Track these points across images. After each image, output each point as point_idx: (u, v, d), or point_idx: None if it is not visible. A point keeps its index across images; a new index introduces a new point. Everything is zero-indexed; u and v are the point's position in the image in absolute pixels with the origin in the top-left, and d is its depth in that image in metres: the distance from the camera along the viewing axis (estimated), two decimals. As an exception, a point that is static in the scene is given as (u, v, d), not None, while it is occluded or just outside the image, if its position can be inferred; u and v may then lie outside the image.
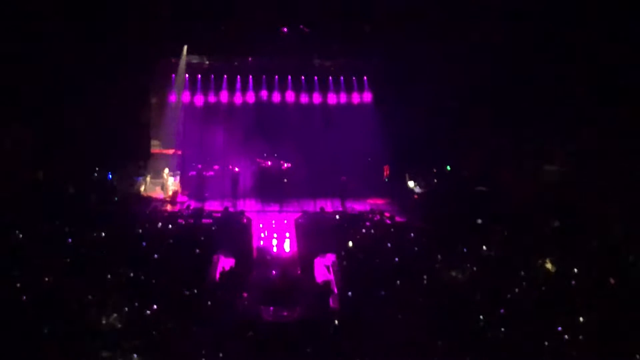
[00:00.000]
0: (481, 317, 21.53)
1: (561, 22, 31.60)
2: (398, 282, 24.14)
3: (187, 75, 38.01)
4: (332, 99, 39.16)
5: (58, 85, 33.51)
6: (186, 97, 38.09)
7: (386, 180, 38.48)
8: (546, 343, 20.15)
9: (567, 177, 32.88)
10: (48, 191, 32.03)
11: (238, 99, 38.44)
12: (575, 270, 24.81)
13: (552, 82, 32.47)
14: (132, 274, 24.06)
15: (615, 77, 30.03)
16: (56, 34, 32.90)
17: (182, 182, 37.26)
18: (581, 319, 21.48)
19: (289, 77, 38.77)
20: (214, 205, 34.35)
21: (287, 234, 31.31)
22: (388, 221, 32.06)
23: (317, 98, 39.01)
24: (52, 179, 32.96)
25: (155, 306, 21.66)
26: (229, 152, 37.59)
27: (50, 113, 33.56)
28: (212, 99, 38.35)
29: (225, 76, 38.33)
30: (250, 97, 38.52)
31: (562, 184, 32.71)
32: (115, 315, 20.94)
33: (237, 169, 37.16)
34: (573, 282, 23.96)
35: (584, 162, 32.28)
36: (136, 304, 21.78)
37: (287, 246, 30.44)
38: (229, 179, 36.79)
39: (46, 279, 22.76)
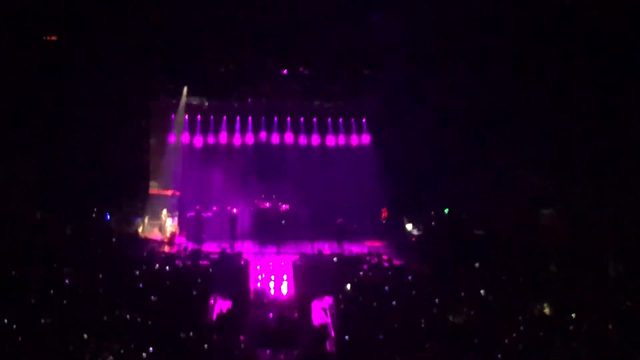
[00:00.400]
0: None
1: (554, 63, 31.99)
2: (396, 325, 24.05)
3: (186, 116, 38.12)
4: (330, 140, 39.26)
5: (57, 125, 33.72)
6: (185, 138, 38.19)
7: (384, 222, 38.42)
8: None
9: (563, 220, 32.95)
10: (46, 231, 32.04)
11: (237, 140, 38.57)
12: (573, 315, 24.76)
13: (549, 127, 32.69)
14: (128, 316, 23.98)
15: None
16: (56, 74, 33.17)
17: (180, 224, 37.17)
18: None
19: (288, 118, 38.91)
20: (211, 247, 34.28)
21: (285, 276, 31.24)
22: (386, 264, 31.95)
23: (315, 139, 39.10)
24: (50, 219, 32.95)
25: (151, 348, 21.55)
26: (228, 193, 37.56)
27: (49, 153, 33.76)
28: (211, 140, 38.46)
29: (224, 117, 38.46)
30: (250, 139, 38.65)
31: (559, 227, 32.79)
32: (111, 357, 20.85)
33: (235, 210, 37.11)
34: (571, 327, 23.89)
35: (581, 205, 32.40)
36: (132, 346, 21.69)
37: (284, 288, 30.37)
38: (227, 220, 36.70)
39: (42, 321, 22.66)
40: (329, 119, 39.30)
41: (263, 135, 38.79)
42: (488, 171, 34.86)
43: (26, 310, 23.72)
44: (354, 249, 35.10)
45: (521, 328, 23.85)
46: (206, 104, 38.65)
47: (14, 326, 22.42)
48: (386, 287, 27.92)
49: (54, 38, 33.63)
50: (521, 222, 33.91)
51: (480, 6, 32.68)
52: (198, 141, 38.34)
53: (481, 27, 33.21)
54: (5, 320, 22.75)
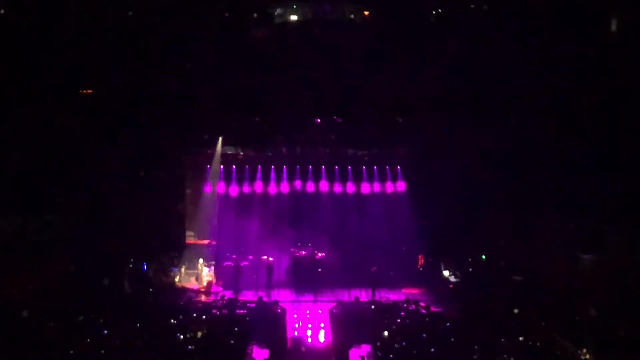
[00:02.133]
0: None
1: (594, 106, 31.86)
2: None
3: (221, 166, 38.35)
4: (365, 188, 39.19)
5: (94, 176, 34.08)
6: (221, 187, 38.34)
7: (421, 269, 38.21)
8: None
9: (603, 266, 32.52)
10: (83, 282, 32.25)
11: (272, 188, 38.62)
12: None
13: (589, 170, 32.43)
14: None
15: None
16: (93, 126, 33.64)
17: (217, 273, 37.26)
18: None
19: (323, 167, 38.98)
20: (248, 296, 34.28)
21: (322, 324, 31.06)
22: (423, 311, 31.77)
23: (350, 187, 39.08)
24: (87, 269, 33.16)
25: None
26: (263, 242, 37.63)
27: (85, 204, 34.06)
28: (246, 189, 38.55)
29: (259, 166, 38.63)
30: (284, 187, 38.68)
31: (599, 272, 32.36)
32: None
33: (270, 259, 37.14)
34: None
35: (621, 250, 31.99)
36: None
37: (321, 336, 30.17)
38: (263, 269, 36.70)
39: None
40: (363, 167, 39.30)
41: (298, 183, 38.81)
42: (526, 216, 34.59)
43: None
44: (391, 296, 34.86)
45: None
46: (241, 153, 38.88)
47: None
48: (424, 334, 27.71)
49: (89, 92, 34.15)
50: (560, 268, 33.51)
51: (514, 53, 32.74)
52: (233, 191, 38.45)
53: (516, 74, 33.25)
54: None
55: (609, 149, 31.71)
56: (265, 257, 37.30)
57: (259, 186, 38.56)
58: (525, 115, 34.02)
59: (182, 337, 27.14)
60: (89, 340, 26.00)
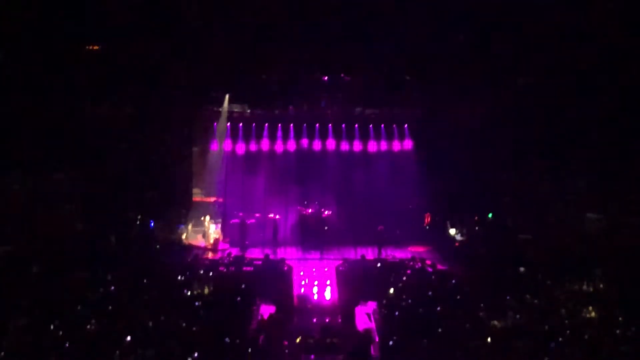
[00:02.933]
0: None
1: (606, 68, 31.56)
2: (440, 330, 23.90)
3: (228, 124, 38.28)
4: (372, 146, 39.13)
5: (100, 135, 34.07)
6: (228, 145, 38.33)
7: (427, 227, 38.28)
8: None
9: (610, 225, 32.53)
10: (90, 240, 32.42)
11: (279, 147, 38.64)
12: (620, 318, 24.43)
13: (597, 131, 32.30)
14: (173, 322, 24.12)
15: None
16: (100, 84, 33.52)
17: (223, 230, 37.40)
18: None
19: (330, 125, 38.88)
20: (254, 253, 34.43)
21: (328, 282, 31.18)
22: (429, 269, 31.85)
23: (357, 146, 39.02)
24: (94, 228, 33.32)
25: (196, 354, 21.64)
26: (270, 200, 37.71)
27: (92, 163, 34.07)
28: (253, 147, 38.57)
29: (266, 125, 38.56)
30: (291, 145, 38.68)
31: (606, 232, 32.38)
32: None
33: (277, 217, 37.25)
34: (618, 331, 23.55)
35: (628, 210, 31.99)
36: (177, 351, 21.80)
37: (328, 294, 30.30)
38: (270, 226, 36.81)
39: (88, 327, 22.88)
40: (371, 125, 39.20)
41: (305, 142, 38.80)
42: (533, 175, 34.54)
43: (72, 316, 24.00)
44: (398, 254, 34.97)
45: (567, 332, 23.59)
46: (248, 111, 38.78)
47: (60, 332, 22.69)
48: (430, 292, 27.82)
49: (96, 48, 33.97)
50: (566, 227, 33.53)
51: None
52: (240, 148, 38.48)
53: (523, 31, 32.91)
54: (52, 327, 23.06)
55: (615, 108, 31.57)
56: (272, 215, 37.40)
57: (265, 144, 38.58)
58: (532, 74, 33.78)
59: (189, 293, 27.32)
60: (96, 296, 26.20)
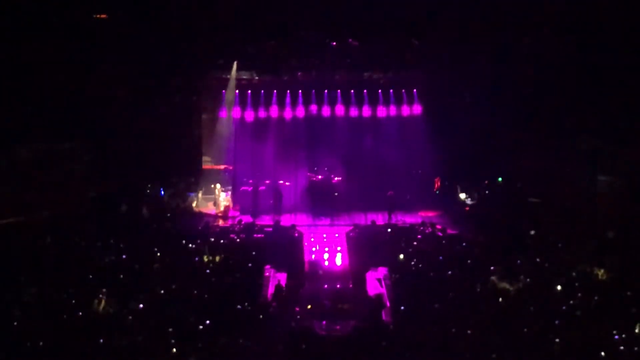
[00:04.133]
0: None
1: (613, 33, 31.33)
2: (451, 294, 23.98)
3: (237, 91, 38.11)
4: (381, 111, 38.90)
5: (110, 104, 34.12)
6: (236, 112, 38.15)
7: (437, 192, 38.21)
8: (602, 354, 19.86)
9: (621, 187, 32.42)
10: (102, 207, 32.58)
11: (288, 113, 38.37)
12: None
13: (606, 92, 32.09)
14: (184, 289, 24.27)
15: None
16: (106, 52, 33.49)
17: (234, 197, 37.45)
18: (637, 329, 21.19)
19: (339, 91, 38.64)
20: (265, 220, 34.49)
21: (339, 248, 31.27)
22: (440, 233, 31.88)
23: (366, 111, 38.79)
24: (106, 195, 33.47)
25: (208, 321, 21.77)
26: (280, 167, 37.67)
27: (103, 131, 34.16)
28: (262, 114, 38.31)
29: (274, 91, 38.35)
30: (300, 112, 38.42)
31: (617, 194, 32.28)
32: (170, 330, 21.11)
33: (287, 183, 37.25)
34: (629, 293, 23.58)
35: (638, 171, 31.89)
36: (190, 318, 21.95)
37: (338, 260, 30.40)
38: (278, 193, 36.77)
39: (100, 295, 23.03)
40: (380, 91, 38.94)
41: (314, 108, 38.51)
42: (543, 138, 34.41)
43: (85, 284, 24.18)
44: (408, 219, 34.98)
45: (578, 294, 23.64)
46: (256, 78, 38.54)
47: (73, 301, 22.87)
48: (440, 257, 27.87)
49: (104, 16, 33.87)
50: (577, 189, 33.45)
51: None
52: (249, 116, 38.25)
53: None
54: (65, 295, 23.24)
55: (625, 70, 31.34)
56: (281, 181, 37.39)
57: (274, 111, 38.35)
58: (543, 35, 33.54)
59: (200, 261, 27.44)
60: (108, 264, 26.38)
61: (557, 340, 20.55)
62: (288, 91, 38.37)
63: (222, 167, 38.48)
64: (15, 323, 21.34)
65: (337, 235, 32.71)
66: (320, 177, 37.70)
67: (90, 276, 24.91)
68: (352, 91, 38.59)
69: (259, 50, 36.42)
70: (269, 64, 37.37)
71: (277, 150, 37.97)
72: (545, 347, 20.37)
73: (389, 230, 32.59)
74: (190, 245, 28.84)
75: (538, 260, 27.02)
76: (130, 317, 21.88)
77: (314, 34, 35.64)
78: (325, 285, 27.56)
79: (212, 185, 37.27)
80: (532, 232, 30.28)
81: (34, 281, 24.21)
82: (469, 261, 27.29)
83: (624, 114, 31.66)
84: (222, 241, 29.88)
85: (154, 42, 33.94)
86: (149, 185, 35.38)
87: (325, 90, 38.47)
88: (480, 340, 20.90)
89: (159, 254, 27.49)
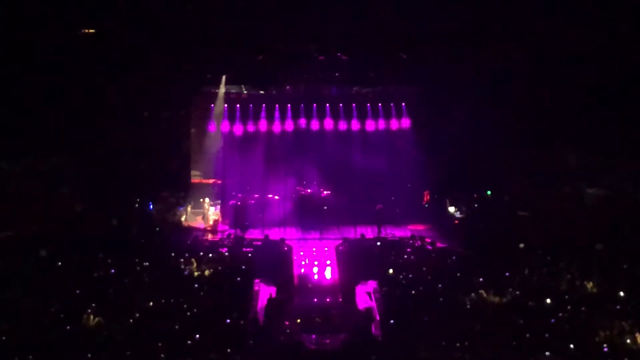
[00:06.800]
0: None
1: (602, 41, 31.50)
2: (440, 307, 24.01)
3: (225, 105, 38.14)
4: (370, 125, 38.99)
5: (98, 118, 34.07)
6: (225, 126, 38.18)
7: (426, 205, 38.27)
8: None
9: (609, 199, 32.56)
10: (90, 223, 32.50)
11: (276, 127, 38.43)
12: (621, 293, 24.56)
13: (593, 103, 32.26)
14: (174, 303, 24.23)
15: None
16: (96, 67, 33.46)
17: (223, 211, 37.41)
18: (628, 341, 21.28)
19: (327, 104, 38.74)
20: (254, 234, 34.44)
21: (328, 262, 31.26)
22: (429, 247, 31.96)
23: (355, 125, 38.88)
24: (94, 210, 33.38)
25: (197, 335, 21.73)
26: (269, 181, 37.67)
27: (91, 145, 34.11)
28: (250, 128, 38.34)
29: (263, 105, 38.40)
30: (289, 125, 38.50)
31: (605, 206, 32.42)
32: (159, 344, 21.07)
33: (276, 197, 37.24)
34: (617, 306, 23.68)
35: (626, 183, 32.04)
36: (179, 332, 21.91)
37: (328, 273, 30.40)
38: (269, 207, 36.73)
39: (89, 310, 22.95)
40: (368, 104, 39.05)
41: (302, 121, 38.62)
42: (531, 151, 34.55)
43: (73, 298, 24.11)
44: (397, 232, 35.01)
45: (567, 307, 23.71)
46: (245, 92, 38.62)
47: (62, 315, 22.80)
48: (429, 270, 27.98)
49: (92, 31, 33.83)
50: (565, 202, 33.57)
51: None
52: (238, 129, 38.26)
53: (520, 6, 32.80)
54: (53, 309, 23.17)
55: (614, 83, 31.51)
56: (270, 195, 37.39)
57: (263, 125, 38.38)
58: (530, 49, 33.69)
59: (189, 275, 27.40)
60: (97, 278, 26.30)
61: (547, 353, 20.62)
62: (277, 105, 38.43)
63: (211, 181, 38.43)
64: (3, 337, 21.25)
65: (326, 249, 32.66)
66: (309, 190, 37.69)
67: (77, 291, 24.82)
68: (341, 105, 38.69)
69: (247, 64, 36.40)
70: (257, 78, 37.33)
71: (266, 164, 37.93)
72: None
73: (378, 243, 32.61)
74: (179, 259, 28.77)
75: (527, 273, 27.11)
76: (119, 332, 21.80)
77: (302, 48, 35.62)
78: (315, 299, 27.57)
79: (201, 200, 37.23)
80: (521, 245, 30.40)
81: (23, 295, 24.12)
82: (458, 274, 27.38)
83: (612, 127, 31.79)
84: (210, 255, 29.79)
85: (142, 56, 33.92)
86: (138, 200, 35.26)
87: (314, 104, 38.54)
88: (469, 353, 20.94)
89: (148, 269, 27.43)
